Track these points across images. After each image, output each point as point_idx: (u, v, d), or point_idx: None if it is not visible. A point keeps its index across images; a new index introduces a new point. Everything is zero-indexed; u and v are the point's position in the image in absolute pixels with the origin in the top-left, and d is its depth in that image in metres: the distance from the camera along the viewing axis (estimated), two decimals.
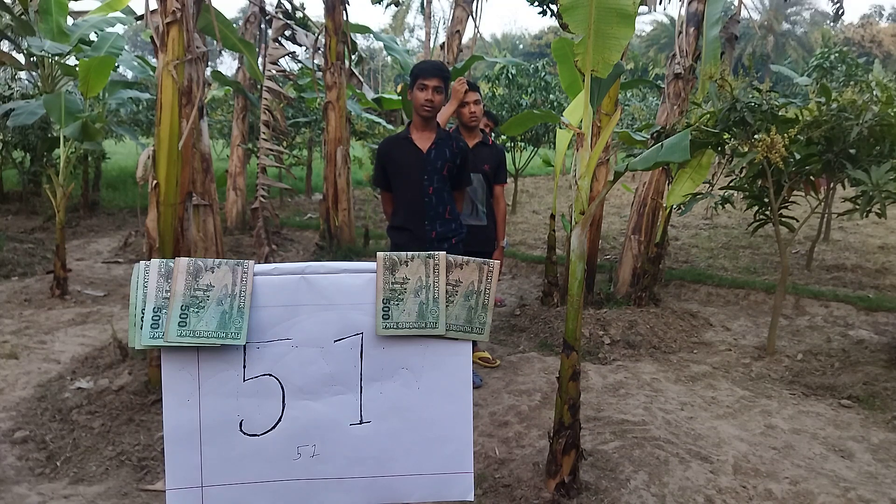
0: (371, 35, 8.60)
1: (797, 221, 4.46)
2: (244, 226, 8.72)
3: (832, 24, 34.23)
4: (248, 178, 9.23)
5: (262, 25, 8.90)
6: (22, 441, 3.07)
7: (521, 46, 48.37)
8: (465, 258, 1.49)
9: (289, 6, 8.30)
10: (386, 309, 1.44)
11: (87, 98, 5.53)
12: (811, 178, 4.18)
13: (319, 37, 7.39)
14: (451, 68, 7.25)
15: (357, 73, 7.60)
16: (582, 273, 2.56)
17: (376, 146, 10.09)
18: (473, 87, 3.85)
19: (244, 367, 1.41)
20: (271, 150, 7.19)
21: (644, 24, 43.46)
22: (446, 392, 1.49)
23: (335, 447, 1.46)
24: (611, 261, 6.71)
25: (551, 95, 10.78)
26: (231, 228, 8.76)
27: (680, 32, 5.26)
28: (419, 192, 3.13)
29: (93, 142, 5.61)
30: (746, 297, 5.75)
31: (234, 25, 7.93)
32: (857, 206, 3.78)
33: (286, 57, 7.38)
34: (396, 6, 9.81)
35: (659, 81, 7.99)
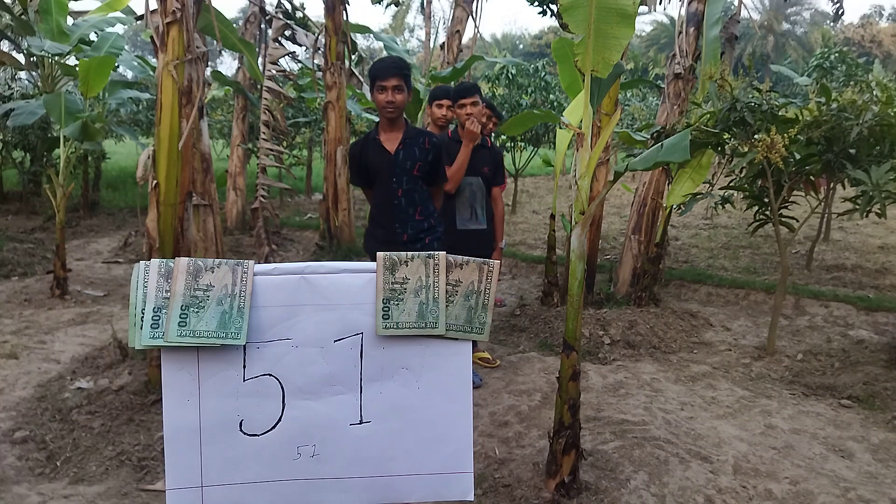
0: (371, 35, 8.60)
1: (797, 221, 4.46)
2: (244, 226, 8.72)
3: (832, 24, 34.22)
4: (248, 178, 9.23)
5: (262, 25, 8.90)
6: (22, 441, 3.07)
7: (521, 46, 48.34)
8: (466, 258, 1.49)
9: (289, 6, 8.30)
10: (386, 309, 1.44)
11: (87, 98, 5.53)
12: (811, 178, 4.18)
13: (319, 37, 7.39)
14: (451, 68, 7.26)
15: (357, 73, 7.60)
16: (582, 273, 2.56)
17: None
18: (476, 90, 3.84)
19: (244, 367, 1.41)
20: (271, 150, 7.19)
21: (644, 24, 43.43)
22: (446, 392, 1.49)
23: (335, 447, 1.46)
24: (611, 261, 6.70)
25: (551, 95, 10.77)
26: (231, 228, 8.76)
27: (680, 32, 5.26)
28: (389, 195, 3.10)
29: (93, 142, 5.60)
30: (746, 297, 5.75)
31: (234, 25, 7.93)
32: (857, 206, 3.78)
33: (286, 57, 7.39)
34: (396, 6, 9.82)
35: (659, 81, 7.98)
